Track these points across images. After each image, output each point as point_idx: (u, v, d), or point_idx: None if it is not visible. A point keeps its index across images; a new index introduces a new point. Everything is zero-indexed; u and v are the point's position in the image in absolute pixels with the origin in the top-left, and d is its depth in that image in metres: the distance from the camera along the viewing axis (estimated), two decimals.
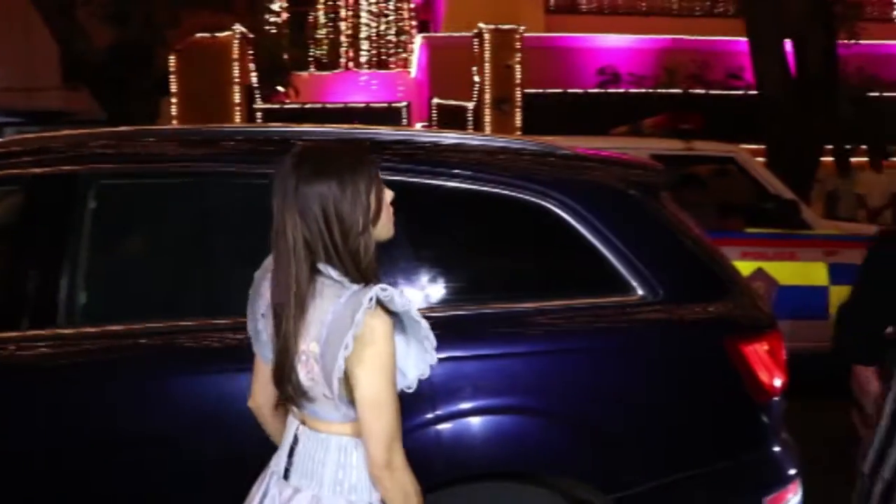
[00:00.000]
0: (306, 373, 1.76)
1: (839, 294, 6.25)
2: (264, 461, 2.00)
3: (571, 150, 3.08)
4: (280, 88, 16.67)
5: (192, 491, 2.56)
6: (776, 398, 2.86)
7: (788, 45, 10.03)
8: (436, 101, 15.07)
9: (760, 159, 8.39)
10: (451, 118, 14.84)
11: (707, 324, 2.80)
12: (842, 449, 4.96)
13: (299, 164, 1.77)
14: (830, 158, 11.89)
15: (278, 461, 1.93)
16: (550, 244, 2.83)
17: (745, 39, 10.31)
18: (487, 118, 14.50)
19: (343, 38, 21.25)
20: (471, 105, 15.05)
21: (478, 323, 2.66)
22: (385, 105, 15.82)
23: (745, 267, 6.04)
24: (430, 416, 2.53)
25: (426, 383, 2.44)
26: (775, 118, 9.79)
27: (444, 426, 2.54)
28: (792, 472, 2.94)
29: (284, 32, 18.40)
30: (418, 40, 18.69)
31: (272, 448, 2.01)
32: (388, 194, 1.87)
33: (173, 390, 2.61)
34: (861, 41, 12.34)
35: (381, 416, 1.74)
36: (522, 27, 14.64)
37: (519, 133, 13.94)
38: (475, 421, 2.58)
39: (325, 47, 21.12)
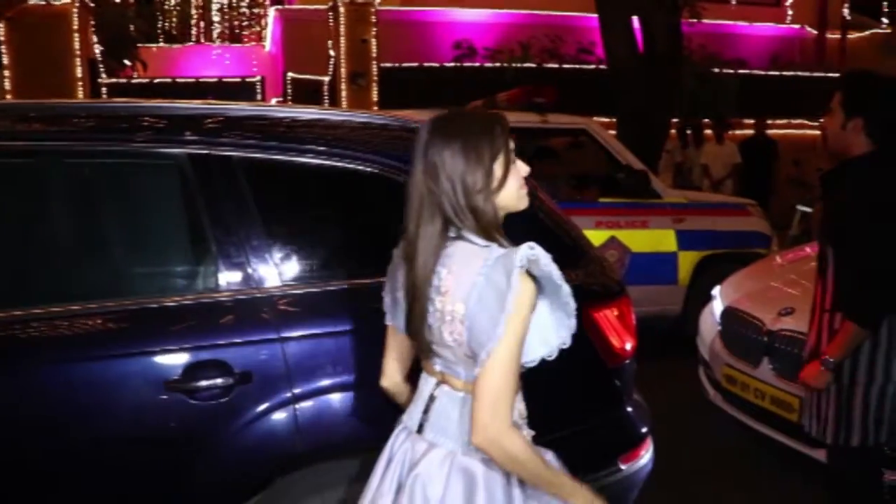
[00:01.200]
0: (449, 333, 1.84)
1: (687, 259, 6.54)
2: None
3: (401, 122, 3.05)
4: (126, 62, 15.93)
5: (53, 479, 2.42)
6: (627, 361, 2.95)
7: (636, 21, 10.34)
8: (291, 75, 14.75)
9: (612, 132, 8.64)
10: (306, 93, 14.57)
11: None
12: (688, 405, 5.21)
13: (433, 129, 1.90)
14: (674, 131, 12.41)
15: (411, 417, 2.01)
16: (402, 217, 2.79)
17: (596, 15, 10.55)
18: (344, 93, 14.32)
19: (193, 11, 20.50)
20: (327, 79, 14.83)
21: (333, 300, 2.61)
22: (239, 80, 15.33)
23: (599, 235, 6.22)
24: (291, 394, 2.47)
25: (285, 361, 2.38)
26: (624, 92, 10.10)
27: (307, 404, 2.50)
28: (644, 430, 3.05)
29: (130, 3, 17.56)
30: (272, 13, 18.24)
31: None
32: (522, 167, 1.97)
33: (15, 380, 2.43)
34: (703, 20, 12.87)
35: (499, 380, 1.76)
36: (378, 0, 14.52)
37: (376, 108, 13.85)
38: (338, 398, 2.53)
39: (174, 19, 20.30)
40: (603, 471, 2.84)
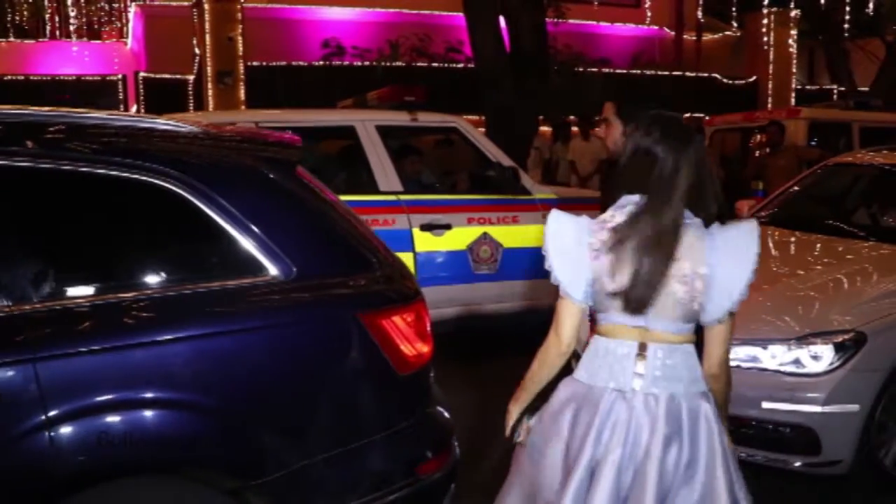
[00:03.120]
0: (686, 290, 2.22)
1: None
2: None
3: (202, 128, 2.96)
4: None
5: None
6: (422, 368, 2.88)
7: (503, 21, 10.50)
8: (142, 75, 14.19)
9: (481, 129, 8.73)
10: (163, 93, 14.07)
11: (341, 299, 2.76)
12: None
13: (691, 133, 2.30)
14: (545, 128, 12.68)
15: (616, 380, 2.27)
16: (176, 227, 2.67)
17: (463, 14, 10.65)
18: (210, 92, 13.96)
19: (46, 3, 19.54)
20: (191, 78, 14.42)
21: (94, 315, 2.43)
22: (99, 78, 14.73)
23: (472, 232, 6.27)
24: (56, 413, 2.28)
25: (37, 384, 2.26)
26: (492, 90, 10.24)
27: (73, 424, 2.31)
28: (443, 439, 2.99)
29: None
30: (133, 9, 17.59)
31: None
32: None
33: None
34: (567, 21, 13.21)
35: (731, 329, 2.33)
36: None
37: (243, 107, 13.56)
38: (106, 416, 2.35)
39: (24, 12, 19.30)
40: (399, 482, 2.78)
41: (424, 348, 2.86)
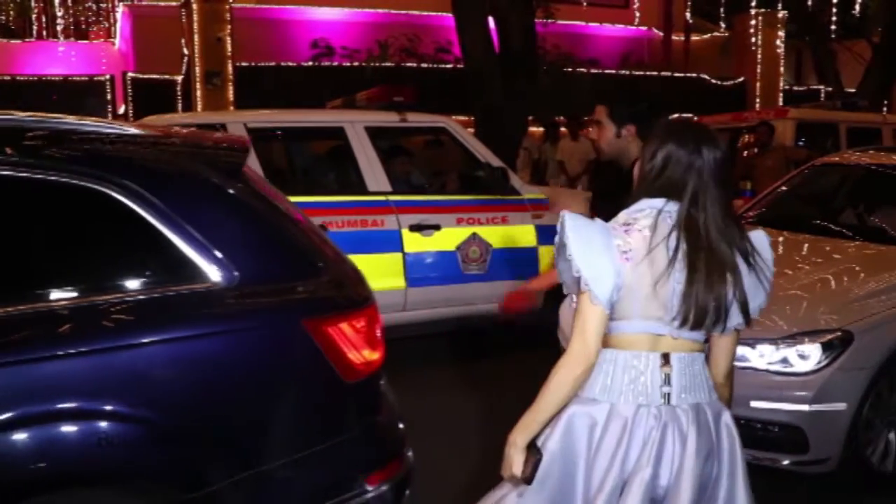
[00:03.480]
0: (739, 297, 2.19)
1: (547, 254, 6.68)
2: None
3: (146, 131, 2.91)
4: None
5: None
6: (371, 375, 2.81)
7: (492, 21, 10.51)
8: (130, 75, 14.14)
9: (470, 130, 8.73)
10: (152, 94, 14.02)
11: (285, 306, 2.68)
12: None
13: (719, 142, 2.30)
14: (535, 128, 12.70)
15: (643, 395, 2.18)
16: (113, 233, 2.60)
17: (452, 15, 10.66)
18: (199, 92, 13.92)
19: (33, 3, 19.44)
20: (180, 79, 14.38)
21: (24, 324, 2.36)
22: (87, 78, 14.66)
23: (461, 232, 6.28)
24: None
25: None
26: (481, 90, 10.25)
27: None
28: (394, 448, 2.93)
29: None
30: (121, 9, 17.52)
31: None
32: None
33: None
34: (556, 21, 13.24)
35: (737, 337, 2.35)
36: None
37: (231, 108, 13.53)
38: (39, 427, 2.30)
39: (11, 12, 19.19)
40: (347, 493, 2.72)
41: (374, 355, 2.79)
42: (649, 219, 2.19)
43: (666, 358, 2.19)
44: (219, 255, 2.56)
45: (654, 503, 2.15)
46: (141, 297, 2.51)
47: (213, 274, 2.55)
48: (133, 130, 2.85)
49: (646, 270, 2.14)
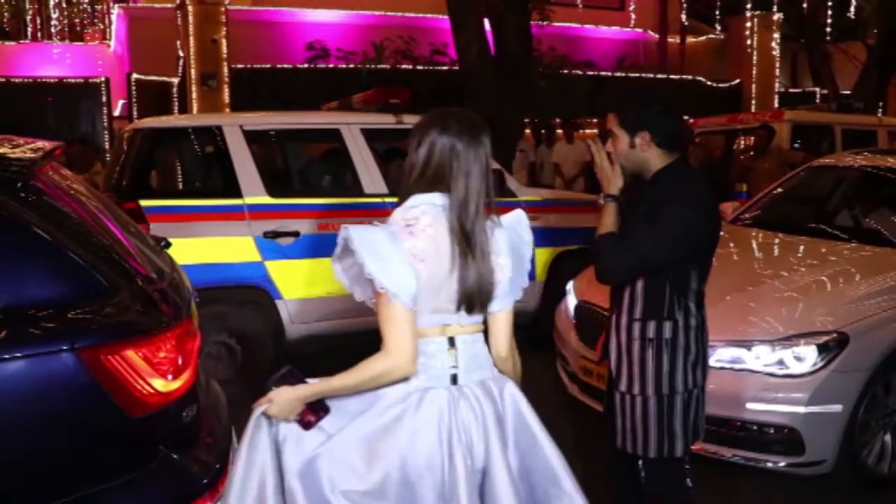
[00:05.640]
0: (501, 281, 2.34)
1: (542, 256, 6.68)
2: None
3: None
4: None
5: None
6: (166, 407, 2.57)
7: (487, 23, 10.50)
8: (135, 76, 14.16)
9: None
10: (153, 95, 14.04)
11: (56, 334, 2.40)
12: (550, 399, 5.32)
13: (474, 129, 2.36)
14: (529, 131, 12.68)
15: (435, 379, 2.28)
16: None
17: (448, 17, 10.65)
18: (194, 94, 13.89)
19: (28, 5, 19.39)
20: (176, 81, 14.36)
21: None
22: (82, 80, 14.60)
23: None
24: None
25: None
26: (477, 92, 10.23)
27: None
28: (203, 481, 2.69)
29: None
30: (116, 11, 17.48)
31: None
32: None
33: None
34: (552, 23, 13.23)
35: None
36: (227, 0, 14.17)
37: (227, 110, 13.51)
38: None
39: (5, 14, 19.14)
40: None
41: (172, 385, 2.55)
42: (428, 216, 2.26)
43: (452, 342, 2.32)
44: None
45: (478, 474, 2.27)
46: None
47: None
48: None
49: (435, 268, 2.23)
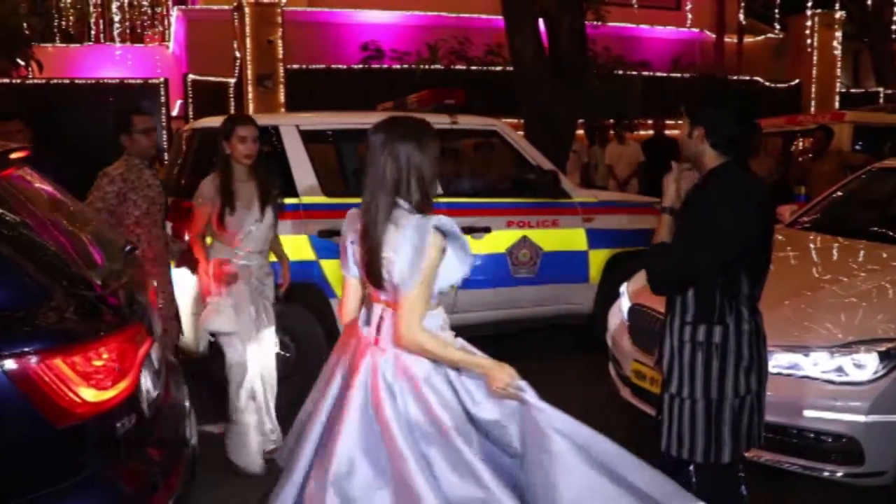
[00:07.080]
0: (386, 272, 2.61)
1: (597, 257, 6.64)
2: None
3: None
4: (20, 62, 15.31)
5: None
6: (96, 417, 2.49)
7: (542, 24, 10.46)
8: (191, 77, 14.38)
9: (520, 132, 8.71)
10: (209, 95, 14.25)
11: None
12: (602, 402, 5.29)
13: (391, 129, 2.65)
14: (582, 132, 12.61)
15: (368, 334, 2.73)
16: None
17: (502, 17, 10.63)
18: (250, 95, 14.08)
19: (92, 9, 19.85)
20: (232, 81, 14.57)
21: None
22: (141, 81, 14.89)
23: (511, 235, 6.27)
24: None
25: None
26: (531, 93, 10.20)
27: None
28: (135, 495, 2.64)
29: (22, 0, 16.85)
30: (175, 13, 17.81)
31: None
32: None
33: None
34: (607, 23, 13.14)
35: (413, 301, 2.59)
36: (284, 1, 14.32)
37: (283, 110, 13.67)
38: None
39: (71, 17, 19.61)
40: None
41: (104, 395, 2.47)
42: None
43: (383, 311, 2.75)
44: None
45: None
46: None
47: None
48: None
49: (356, 252, 2.76)
